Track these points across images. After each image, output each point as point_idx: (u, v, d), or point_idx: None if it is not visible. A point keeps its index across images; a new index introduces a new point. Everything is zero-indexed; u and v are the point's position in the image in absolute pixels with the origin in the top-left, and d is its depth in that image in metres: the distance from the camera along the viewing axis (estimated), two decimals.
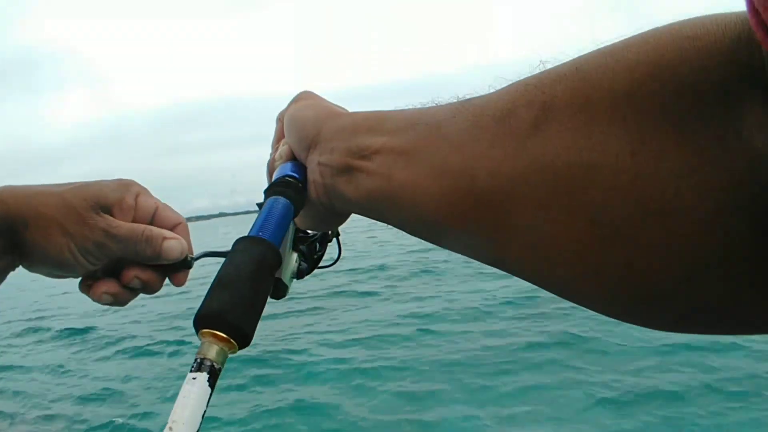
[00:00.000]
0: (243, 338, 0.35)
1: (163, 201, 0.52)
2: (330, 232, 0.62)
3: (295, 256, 0.57)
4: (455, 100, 0.35)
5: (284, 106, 0.50)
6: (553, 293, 0.32)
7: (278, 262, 0.39)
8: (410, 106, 0.38)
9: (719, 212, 0.22)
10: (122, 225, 0.47)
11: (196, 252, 0.50)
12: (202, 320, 0.34)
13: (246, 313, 0.35)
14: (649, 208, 0.24)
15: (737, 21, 0.23)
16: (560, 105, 0.27)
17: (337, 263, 0.69)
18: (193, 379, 0.32)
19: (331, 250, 0.67)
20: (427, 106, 0.37)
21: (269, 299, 0.57)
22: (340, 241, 0.65)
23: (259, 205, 0.45)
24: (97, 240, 0.46)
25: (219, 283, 0.36)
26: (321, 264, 0.64)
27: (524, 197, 0.28)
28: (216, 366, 0.33)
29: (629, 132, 0.24)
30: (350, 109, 0.45)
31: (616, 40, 0.27)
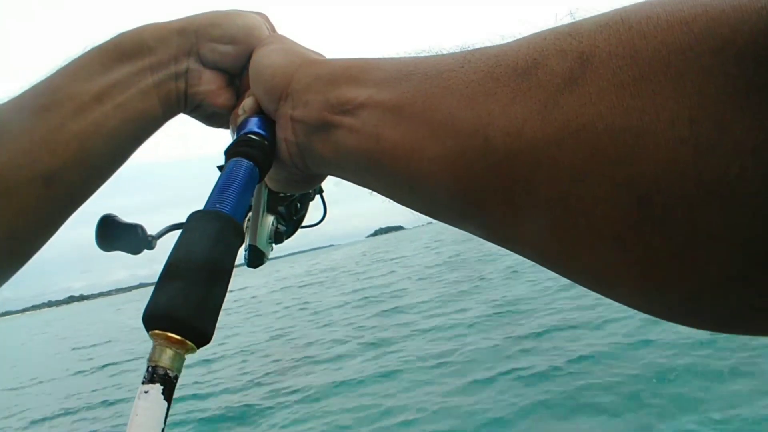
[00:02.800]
0: (200, 337, 0.29)
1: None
2: (312, 190, 0.55)
3: (271, 219, 0.51)
4: (460, 50, 0.29)
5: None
6: (579, 283, 0.26)
7: (240, 239, 0.33)
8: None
9: None
10: None
11: (157, 229, 0.44)
12: (151, 320, 0.28)
13: (202, 308, 0.29)
14: (711, 188, 0.20)
15: None
16: (603, 56, 0.22)
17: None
18: (145, 392, 0.27)
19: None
20: (425, 54, 0.31)
21: (247, 268, 0.52)
22: (325, 198, 0.59)
23: (220, 168, 0.38)
24: None
25: (169, 272, 0.30)
26: (304, 224, 0.58)
27: (553, 165, 0.23)
28: (171, 374, 0.28)
29: (686, 95, 0.20)
30: None
31: None
